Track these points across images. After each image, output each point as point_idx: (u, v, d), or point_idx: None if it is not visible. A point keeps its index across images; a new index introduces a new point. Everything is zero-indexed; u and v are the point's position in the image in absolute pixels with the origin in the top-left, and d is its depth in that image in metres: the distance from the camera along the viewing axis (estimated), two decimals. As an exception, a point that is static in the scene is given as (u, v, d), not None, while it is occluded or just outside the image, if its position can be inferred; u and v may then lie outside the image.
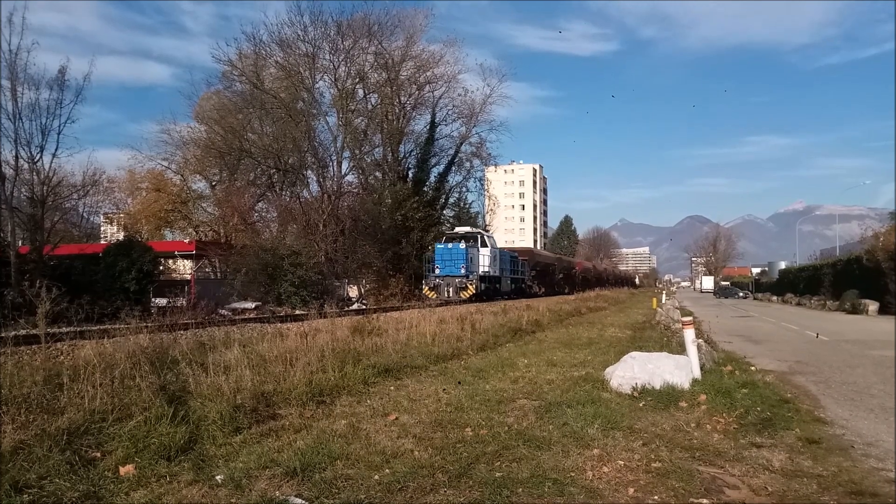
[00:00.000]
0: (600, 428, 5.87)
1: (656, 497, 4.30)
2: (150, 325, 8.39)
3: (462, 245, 32.43)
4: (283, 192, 40.33)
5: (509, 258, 40.03)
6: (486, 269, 33.50)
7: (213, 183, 45.31)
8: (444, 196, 48.90)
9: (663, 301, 34.30)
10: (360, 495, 4.19)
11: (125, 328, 8.28)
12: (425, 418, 6.27)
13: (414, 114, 46.37)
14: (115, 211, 46.09)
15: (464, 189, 50.95)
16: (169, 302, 21.70)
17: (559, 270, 61.72)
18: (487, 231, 41.31)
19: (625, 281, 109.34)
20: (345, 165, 42.37)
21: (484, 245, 34.04)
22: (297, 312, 18.20)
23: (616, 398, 7.34)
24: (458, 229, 35.83)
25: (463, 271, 31.62)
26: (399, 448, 5.21)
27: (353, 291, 35.34)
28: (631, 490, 4.38)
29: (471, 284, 31.28)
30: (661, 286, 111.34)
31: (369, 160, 43.93)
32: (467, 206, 52.32)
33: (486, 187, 53.32)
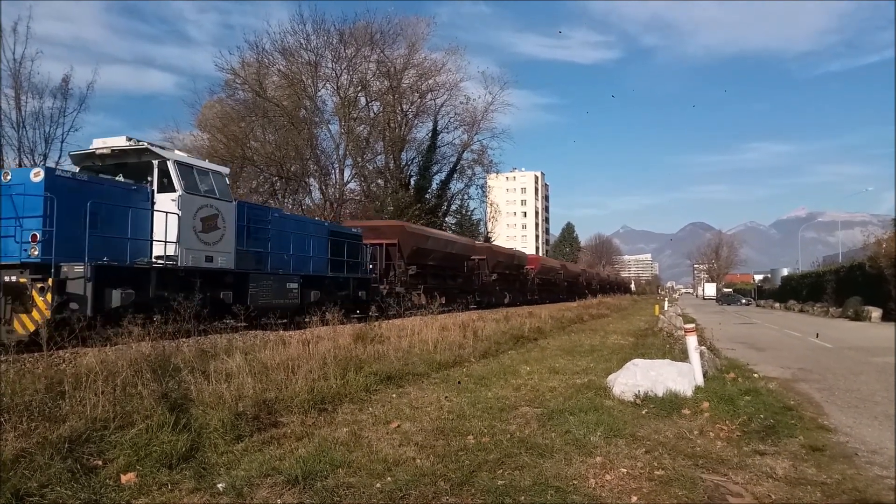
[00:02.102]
0: (603, 435, 5.84)
1: (659, 505, 4.28)
2: (152, 332, 8.36)
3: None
4: (286, 200, 40.39)
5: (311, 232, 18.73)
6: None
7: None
8: (446, 203, 49.05)
9: (666, 308, 34.22)
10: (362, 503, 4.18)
11: (127, 336, 8.26)
12: (427, 426, 6.25)
13: (416, 121, 46.62)
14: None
15: (466, 196, 51.16)
16: None
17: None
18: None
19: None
20: (347, 173, 42.52)
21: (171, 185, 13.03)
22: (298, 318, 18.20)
23: (619, 406, 7.32)
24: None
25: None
26: (401, 456, 5.20)
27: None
28: (634, 498, 4.35)
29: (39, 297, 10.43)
30: (663, 293, 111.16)
31: (371, 168, 44.08)
32: (469, 213, 52.44)
33: (487, 194, 53.42)
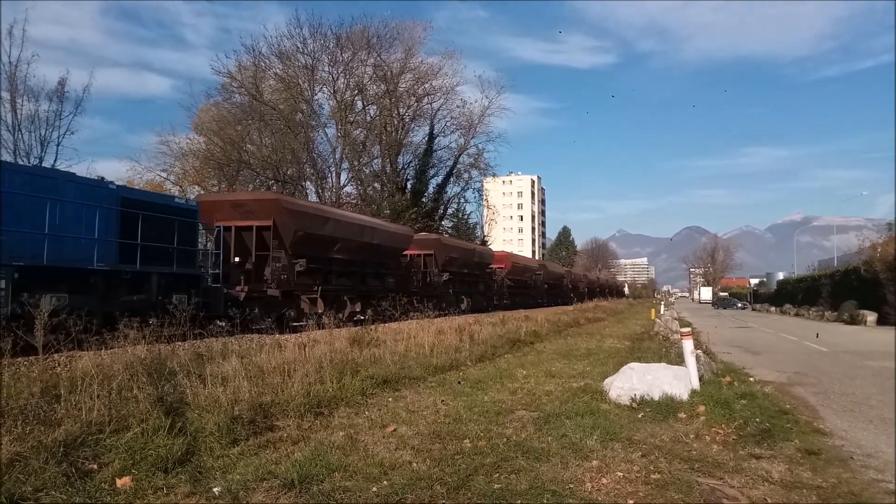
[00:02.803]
0: (599, 439, 5.85)
1: (655, 509, 4.28)
2: (147, 335, 8.33)
3: None
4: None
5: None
6: None
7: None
8: (442, 207, 49.11)
9: (662, 312, 34.27)
10: (358, 507, 4.18)
11: (123, 340, 8.24)
12: (424, 430, 6.24)
13: (413, 125, 46.70)
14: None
15: (462, 200, 51.26)
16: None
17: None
18: None
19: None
20: (343, 176, 42.59)
21: None
22: (295, 324, 18.07)
23: (615, 409, 7.32)
24: None
25: None
26: (397, 460, 5.19)
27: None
28: (630, 502, 4.36)
29: None
30: (659, 297, 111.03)
31: (368, 171, 44.12)
32: (466, 216, 52.50)
33: (484, 198, 53.48)
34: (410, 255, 29.45)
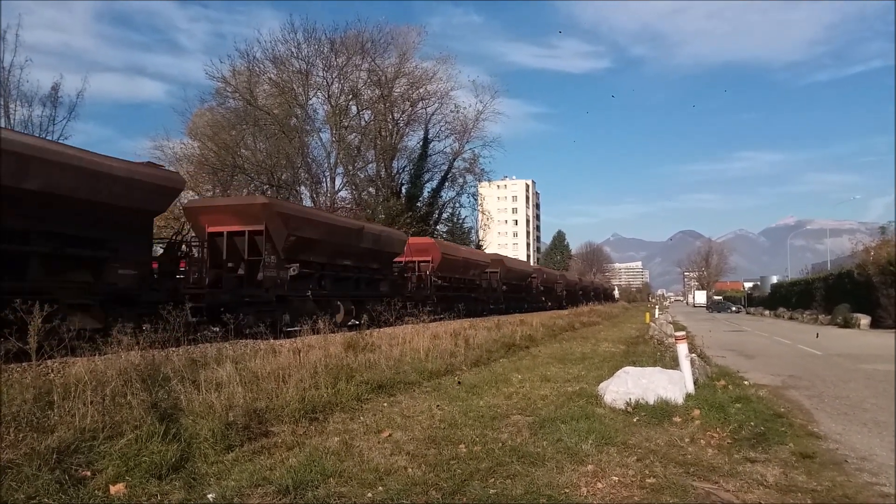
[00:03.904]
0: (594, 444, 5.85)
1: (651, 513, 4.28)
2: (141, 341, 8.29)
3: None
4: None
5: None
6: None
7: (206, 199, 45.29)
8: (437, 211, 49.17)
9: (656, 316, 34.34)
10: (354, 513, 4.17)
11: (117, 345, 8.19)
12: (419, 435, 6.23)
13: (407, 130, 46.81)
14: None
15: (457, 204, 51.35)
16: None
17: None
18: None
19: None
20: (338, 181, 42.60)
21: None
22: (288, 329, 17.99)
23: (610, 413, 7.33)
24: None
25: None
26: (392, 465, 5.18)
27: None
28: (625, 506, 4.36)
29: None
30: (653, 301, 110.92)
31: (363, 176, 44.15)
32: (461, 221, 52.56)
33: (479, 202, 53.57)
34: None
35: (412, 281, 28.63)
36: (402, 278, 27.74)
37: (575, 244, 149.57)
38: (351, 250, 22.40)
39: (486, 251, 48.58)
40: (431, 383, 9.61)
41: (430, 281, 29.64)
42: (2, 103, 26.98)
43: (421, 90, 45.94)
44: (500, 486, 4.71)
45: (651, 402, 7.56)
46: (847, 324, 31.45)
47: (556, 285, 63.16)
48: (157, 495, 4.37)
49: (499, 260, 42.43)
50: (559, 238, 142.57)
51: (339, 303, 21.55)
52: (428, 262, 29.94)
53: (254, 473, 4.85)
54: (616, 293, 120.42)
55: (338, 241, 21.30)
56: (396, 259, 27.39)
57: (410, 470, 5.07)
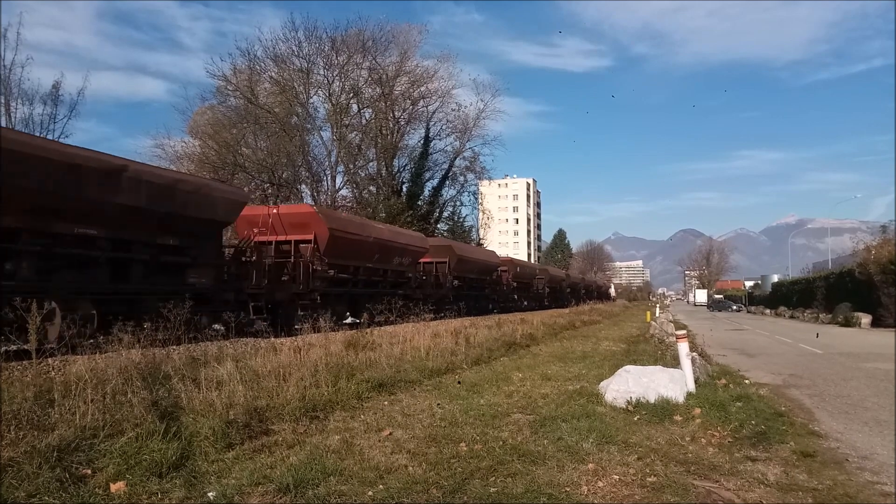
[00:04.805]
0: (595, 442, 5.84)
1: (652, 512, 4.28)
2: (142, 339, 8.31)
3: None
4: (278, 207, 40.29)
5: None
6: None
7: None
8: (438, 210, 49.15)
9: (657, 314, 34.33)
10: (354, 512, 4.16)
11: (117, 343, 8.20)
12: (419, 433, 6.23)
13: (408, 128, 46.78)
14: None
15: (458, 203, 51.33)
16: None
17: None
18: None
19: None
20: (339, 180, 42.60)
21: None
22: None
23: (611, 412, 7.32)
24: None
25: None
26: (393, 463, 5.18)
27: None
28: (626, 505, 4.35)
29: None
30: (654, 299, 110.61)
31: (363, 174, 44.14)
32: (461, 219, 52.54)
33: (480, 201, 53.57)
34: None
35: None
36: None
37: (576, 243, 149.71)
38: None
39: (486, 250, 48.68)
40: (432, 382, 9.60)
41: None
42: (3, 101, 26.95)
43: (422, 89, 45.97)
44: (501, 484, 4.71)
45: (652, 400, 7.55)
46: (848, 322, 31.44)
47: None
48: (157, 493, 4.37)
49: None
50: (560, 237, 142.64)
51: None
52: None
53: (254, 472, 4.84)
54: (612, 291, 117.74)
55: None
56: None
57: (411, 468, 5.06)
